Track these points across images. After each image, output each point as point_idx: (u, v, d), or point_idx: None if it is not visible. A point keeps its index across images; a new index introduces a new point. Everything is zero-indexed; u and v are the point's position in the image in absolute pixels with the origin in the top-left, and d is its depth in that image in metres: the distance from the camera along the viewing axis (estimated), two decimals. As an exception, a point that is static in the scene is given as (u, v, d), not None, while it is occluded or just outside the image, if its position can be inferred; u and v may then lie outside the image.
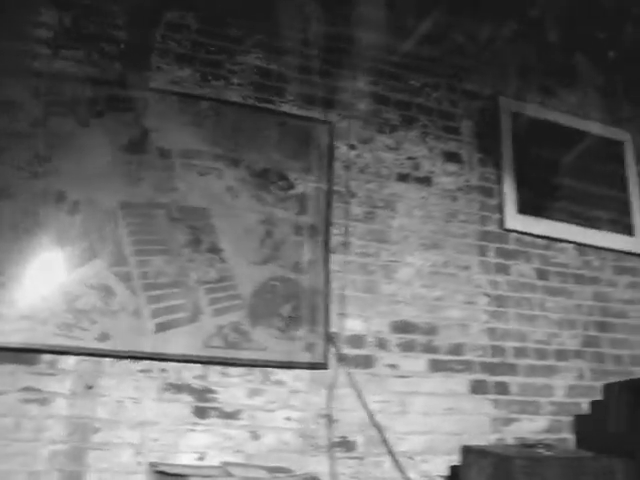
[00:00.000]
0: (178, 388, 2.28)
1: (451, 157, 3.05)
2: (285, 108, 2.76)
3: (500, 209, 3.06)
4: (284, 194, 2.63)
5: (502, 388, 2.79)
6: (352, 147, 2.83)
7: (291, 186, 2.65)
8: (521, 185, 3.12)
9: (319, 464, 2.37)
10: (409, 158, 2.94)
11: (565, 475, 2.10)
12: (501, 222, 3.04)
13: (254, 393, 2.37)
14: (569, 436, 2.84)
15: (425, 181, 2.94)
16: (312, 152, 2.73)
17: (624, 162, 3.51)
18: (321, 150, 2.75)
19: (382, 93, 2.99)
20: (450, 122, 3.10)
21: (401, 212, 2.83)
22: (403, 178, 2.89)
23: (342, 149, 2.81)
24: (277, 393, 2.41)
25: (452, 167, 3.03)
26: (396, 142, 2.93)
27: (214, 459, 2.25)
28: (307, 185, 2.68)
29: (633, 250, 3.34)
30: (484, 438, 2.66)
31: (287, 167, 2.67)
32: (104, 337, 2.23)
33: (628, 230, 3.37)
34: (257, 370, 2.40)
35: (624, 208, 3.41)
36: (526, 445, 2.46)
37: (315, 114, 2.80)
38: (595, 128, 3.47)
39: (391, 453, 2.47)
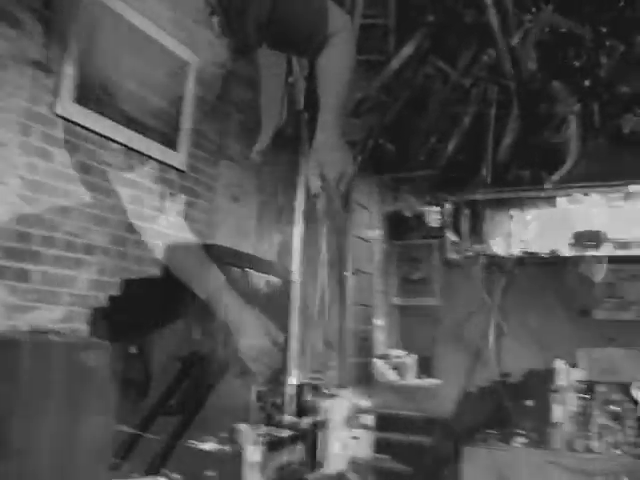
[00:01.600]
0: None
1: (10, 20, 2.68)
2: None
3: (56, 92, 2.87)
4: None
5: (22, 275, 2.71)
6: None
7: None
8: (85, 74, 2.98)
9: None
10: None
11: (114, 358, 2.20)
12: (54, 106, 2.87)
13: None
14: (83, 326, 2.96)
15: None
16: None
17: (186, 83, 3.70)
18: None
19: None
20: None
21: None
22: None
23: None
24: None
25: (9, 32, 2.68)
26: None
27: None
28: None
29: (174, 164, 3.63)
30: (-3, 325, 2.56)
31: None
32: None
33: (174, 145, 3.62)
34: None
35: (176, 125, 3.64)
36: (38, 332, 2.49)
37: None
38: (167, 41, 3.52)
39: None
